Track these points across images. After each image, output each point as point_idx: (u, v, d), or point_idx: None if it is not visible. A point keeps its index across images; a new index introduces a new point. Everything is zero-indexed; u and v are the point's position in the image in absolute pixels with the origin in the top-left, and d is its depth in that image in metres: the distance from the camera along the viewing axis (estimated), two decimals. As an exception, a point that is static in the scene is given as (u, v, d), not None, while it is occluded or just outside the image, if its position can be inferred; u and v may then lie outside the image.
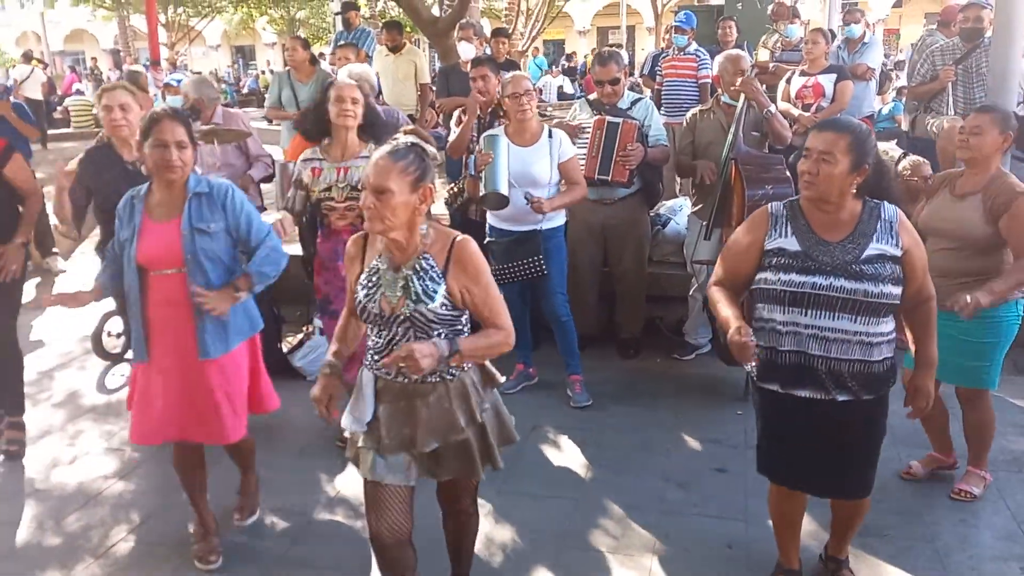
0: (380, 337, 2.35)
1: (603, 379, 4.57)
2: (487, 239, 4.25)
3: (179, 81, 6.70)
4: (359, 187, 3.62)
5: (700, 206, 4.54)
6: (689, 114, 4.63)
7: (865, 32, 6.65)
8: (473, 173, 4.30)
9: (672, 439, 3.97)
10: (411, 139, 2.24)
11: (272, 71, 24.36)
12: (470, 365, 2.38)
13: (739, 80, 4.11)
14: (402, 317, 2.25)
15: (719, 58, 4.40)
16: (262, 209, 5.94)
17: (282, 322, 5.09)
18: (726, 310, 2.46)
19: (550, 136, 4.09)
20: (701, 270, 4.51)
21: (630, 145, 4.31)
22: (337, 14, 8.75)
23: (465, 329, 2.36)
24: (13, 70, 16.57)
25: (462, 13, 6.40)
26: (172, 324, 2.85)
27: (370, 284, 2.31)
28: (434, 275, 2.25)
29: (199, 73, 21.22)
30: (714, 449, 3.87)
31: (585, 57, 28.62)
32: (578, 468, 3.74)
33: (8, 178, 3.77)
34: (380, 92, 6.12)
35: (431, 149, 2.25)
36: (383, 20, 16.84)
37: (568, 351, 4.36)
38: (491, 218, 4.25)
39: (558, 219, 4.22)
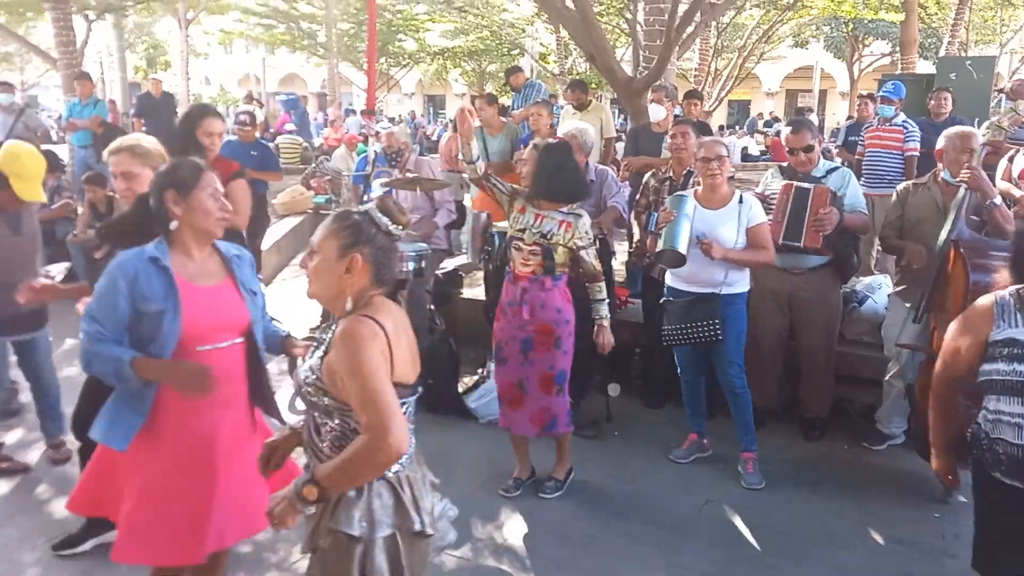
0: None
1: (783, 459, 4.35)
2: (663, 299, 4.21)
3: (385, 128, 7.19)
4: (548, 236, 3.74)
5: (904, 287, 4.26)
6: (901, 186, 4.39)
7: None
8: (653, 229, 4.30)
9: (857, 535, 3.69)
10: (370, 205, 2.05)
11: (452, 122, 25.65)
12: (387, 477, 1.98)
13: (964, 169, 3.84)
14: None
15: (947, 133, 4.13)
16: (449, 253, 6.22)
17: (459, 363, 5.24)
18: (938, 434, 2.63)
19: (740, 201, 4.03)
20: (902, 354, 4.21)
21: (823, 209, 4.14)
22: (505, 84, 9.18)
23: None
24: (237, 108, 18.39)
25: (658, 76, 6.45)
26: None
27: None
28: (324, 346, 1.99)
29: (393, 119, 22.65)
30: (906, 552, 3.55)
31: (767, 118, 27.95)
32: (751, 550, 3.55)
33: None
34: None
35: (382, 220, 2.01)
36: (570, 76, 17.35)
37: (742, 425, 4.19)
38: (669, 278, 4.21)
39: (740, 285, 4.09)
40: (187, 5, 20.28)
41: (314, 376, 1.96)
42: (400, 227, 2.03)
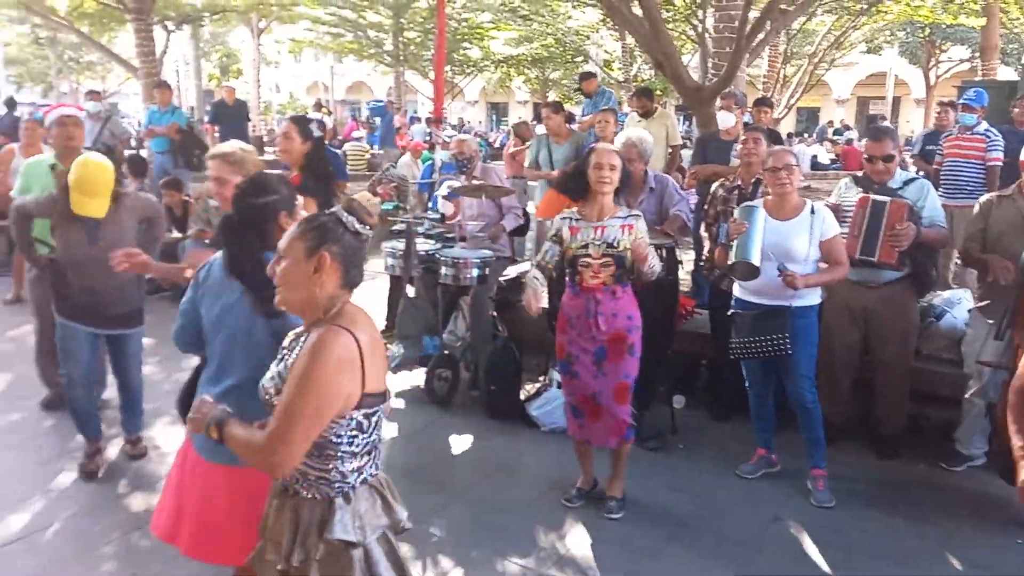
0: None
1: (855, 477, 4.22)
2: (731, 311, 4.14)
3: (451, 137, 7.29)
4: (615, 244, 3.70)
5: (987, 303, 4.09)
6: (984, 198, 4.23)
7: None
8: (724, 241, 4.22)
9: (933, 558, 3.54)
10: (338, 207, 2.04)
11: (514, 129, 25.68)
12: (326, 494, 1.97)
13: None
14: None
15: (1034, 141, 3.98)
16: (512, 260, 6.23)
17: (521, 370, 5.24)
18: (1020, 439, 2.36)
19: (812, 212, 3.93)
20: (983, 371, 4.05)
21: (899, 224, 4.01)
22: (577, 89, 9.19)
23: (346, 444, 1.95)
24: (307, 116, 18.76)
25: (727, 83, 6.35)
26: None
27: None
28: (294, 355, 1.99)
29: (454, 126, 22.84)
30: (987, 578, 3.41)
31: (837, 126, 27.29)
32: (821, 570, 3.44)
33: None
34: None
35: (349, 219, 2.00)
36: (635, 84, 17.26)
37: (812, 441, 4.07)
38: (738, 289, 4.14)
39: (812, 298, 3.99)
40: (260, 15, 20.85)
41: (281, 383, 1.95)
42: (368, 227, 2.01)
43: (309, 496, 1.97)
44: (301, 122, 4.22)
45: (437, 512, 3.83)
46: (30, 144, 6.74)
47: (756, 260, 3.80)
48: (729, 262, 3.94)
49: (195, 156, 9.71)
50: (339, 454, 1.94)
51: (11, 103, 11.98)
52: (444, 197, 6.10)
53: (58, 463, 4.30)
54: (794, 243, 3.87)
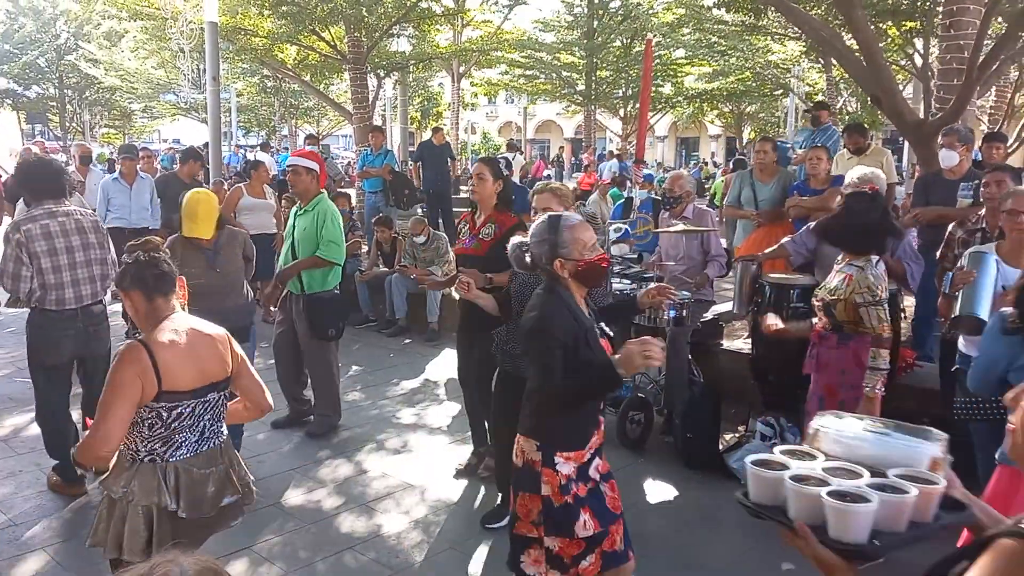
0: None
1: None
2: (955, 367, 3.77)
3: (649, 176, 7.24)
4: (832, 293, 3.63)
5: None
6: None
7: None
8: (947, 291, 3.85)
9: None
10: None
11: (666, 169, 24.83)
12: (123, 455, 2.53)
13: None
14: None
15: None
16: (712, 303, 6.04)
17: (720, 419, 5.03)
18: None
19: None
20: None
21: None
22: (807, 111, 8.84)
23: (146, 428, 2.48)
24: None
25: (955, 118, 5.82)
26: None
27: None
28: None
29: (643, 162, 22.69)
30: None
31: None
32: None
33: None
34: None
35: (134, 256, 2.53)
36: (843, 118, 16.34)
37: None
38: (962, 343, 3.76)
39: None
40: (460, 61, 21.93)
41: None
42: (146, 254, 2.51)
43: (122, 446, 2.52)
44: (491, 163, 4.42)
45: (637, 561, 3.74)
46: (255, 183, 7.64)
47: (984, 314, 3.43)
48: (953, 315, 3.60)
49: (404, 196, 10.31)
50: (138, 431, 2.48)
51: (265, 147, 13.44)
52: (614, 242, 6.02)
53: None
54: None
